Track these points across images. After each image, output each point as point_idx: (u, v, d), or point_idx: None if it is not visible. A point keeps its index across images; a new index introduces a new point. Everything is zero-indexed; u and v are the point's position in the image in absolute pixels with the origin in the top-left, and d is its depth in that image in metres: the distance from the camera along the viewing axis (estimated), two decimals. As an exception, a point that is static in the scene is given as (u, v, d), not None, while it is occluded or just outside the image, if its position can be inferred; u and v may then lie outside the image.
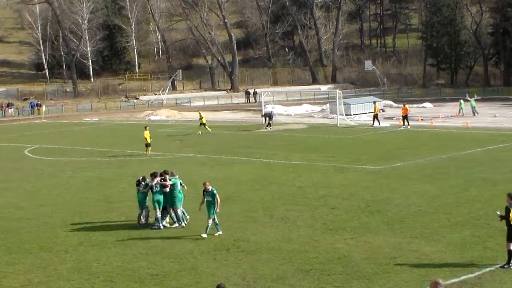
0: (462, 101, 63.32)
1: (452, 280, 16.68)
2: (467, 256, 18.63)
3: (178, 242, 21.28)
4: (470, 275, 17.04)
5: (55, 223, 24.39)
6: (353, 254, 19.21)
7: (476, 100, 63.07)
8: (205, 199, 21.84)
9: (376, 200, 26.16)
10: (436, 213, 23.63)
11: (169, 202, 23.27)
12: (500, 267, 17.49)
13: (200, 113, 56.34)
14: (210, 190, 21.63)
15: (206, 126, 54.47)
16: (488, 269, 17.49)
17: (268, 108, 65.37)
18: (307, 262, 18.65)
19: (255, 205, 26.24)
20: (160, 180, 23.30)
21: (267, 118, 57.60)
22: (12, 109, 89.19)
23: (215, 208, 21.58)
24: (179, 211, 23.31)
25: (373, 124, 54.99)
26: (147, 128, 43.16)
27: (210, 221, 21.55)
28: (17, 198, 29.83)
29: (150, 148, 42.37)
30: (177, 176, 23.80)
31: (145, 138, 42.21)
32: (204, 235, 21.38)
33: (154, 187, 23.13)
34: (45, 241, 21.81)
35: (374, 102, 57.87)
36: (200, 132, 53.68)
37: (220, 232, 21.67)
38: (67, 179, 34.42)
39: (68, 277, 18.31)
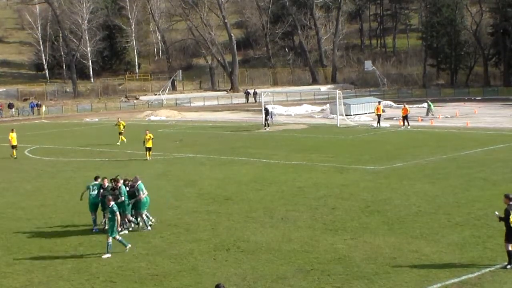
0: (429, 101, 64.56)
1: (452, 280, 16.69)
2: (467, 257, 18.63)
3: (178, 242, 21.28)
4: (470, 275, 17.04)
5: (55, 223, 24.39)
6: (353, 255, 19.21)
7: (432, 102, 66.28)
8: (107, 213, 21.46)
9: (376, 200, 26.16)
10: (436, 213, 23.63)
11: (132, 208, 22.90)
12: (502, 267, 17.49)
13: (119, 120, 50.63)
14: (110, 205, 20.66)
15: (122, 136, 49.00)
16: (488, 269, 17.49)
17: (268, 107, 65.36)
18: (307, 263, 18.65)
19: (255, 205, 26.24)
20: (113, 186, 22.74)
21: (265, 115, 57.34)
22: (13, 110, 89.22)
23: (115, 226, 20.43)
24: (144, 216, 22.95)
25: (377, 124, 54.61)
26: (148, 131, 41.01)
27: (110, 239, 20.29)
28: (17, 198, 29.83)
29: (150, 152, 40.42)
30: (139, 182, 23.07)
31: (145, 141, 40.41)
32: (106, 256, 20.01)
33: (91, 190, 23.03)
34: (45, 241, 21.80)
35: (379, 103, 57.84)
36: (119, 143, 48.68)
37: (129, 246, 20.61)
38: (67, 179, 34.41)
39: (68, 277, 18.31)
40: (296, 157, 38.86)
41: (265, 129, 56.15)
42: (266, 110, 58.39)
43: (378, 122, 54.80)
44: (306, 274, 17.74)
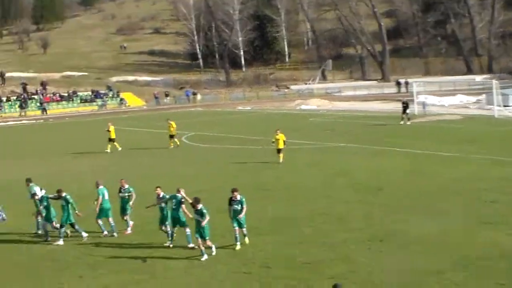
0: None
1: None
2: None
3: (330, 231, 21.24)
4: None
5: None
6: (517, 250, 18.35)
7: None
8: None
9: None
10: None
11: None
12: None
13: (109, 126, 42.97)
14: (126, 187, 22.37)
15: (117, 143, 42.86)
16: None
17: (420, 98, 63.48)
18: (464, 257, 18.03)
19: (408, 196, 25.76)
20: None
21: (404, 109, 52.72)
22: (168, 98, 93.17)
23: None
24: (110, 220, 22.03)
25: None
26: (169, 120, 43.92)
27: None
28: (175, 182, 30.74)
29: (174, 140, 43.23)
30: (101, 186, 22.11)
31: (170, 129, 43.05)
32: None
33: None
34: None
35: None
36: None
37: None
38: (225, 164, 35.35)
39: (225, 261, 18.78)
40: (450, 148, 37.71)
41: (404, 122, 51.64)
42: (406, 104, 53.30)
43: None
44: (464, 268, 17.16)
